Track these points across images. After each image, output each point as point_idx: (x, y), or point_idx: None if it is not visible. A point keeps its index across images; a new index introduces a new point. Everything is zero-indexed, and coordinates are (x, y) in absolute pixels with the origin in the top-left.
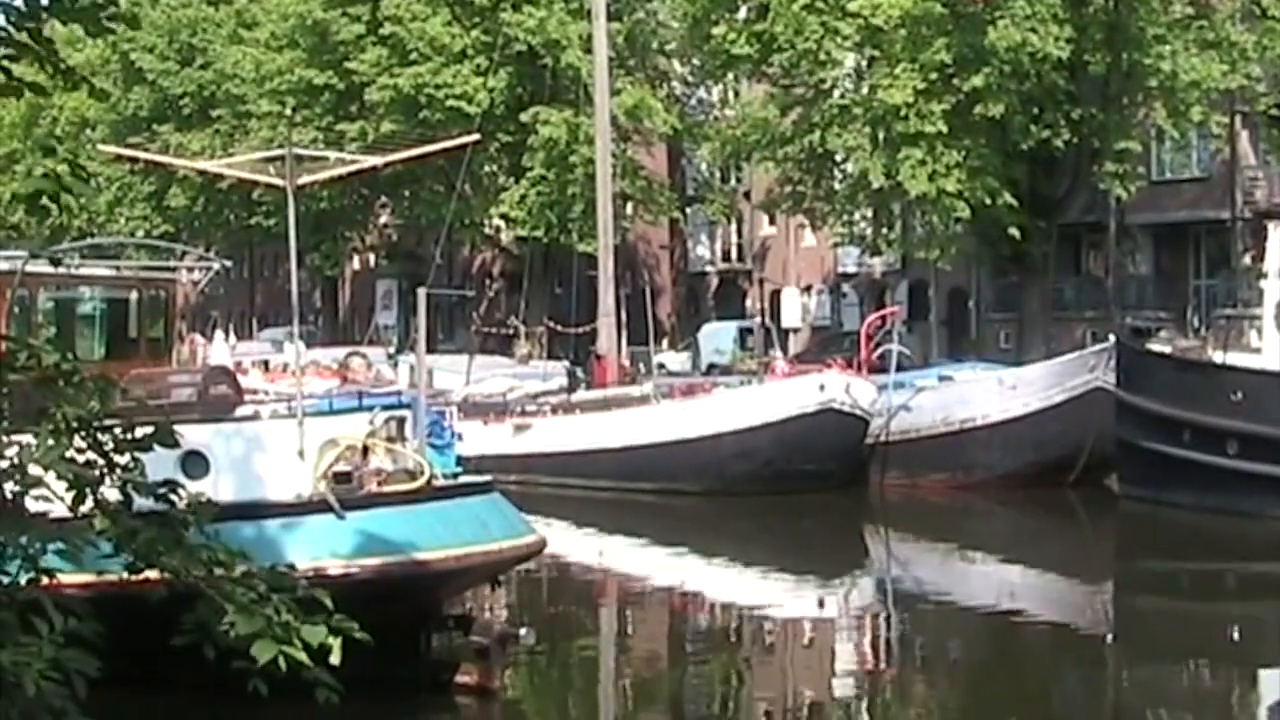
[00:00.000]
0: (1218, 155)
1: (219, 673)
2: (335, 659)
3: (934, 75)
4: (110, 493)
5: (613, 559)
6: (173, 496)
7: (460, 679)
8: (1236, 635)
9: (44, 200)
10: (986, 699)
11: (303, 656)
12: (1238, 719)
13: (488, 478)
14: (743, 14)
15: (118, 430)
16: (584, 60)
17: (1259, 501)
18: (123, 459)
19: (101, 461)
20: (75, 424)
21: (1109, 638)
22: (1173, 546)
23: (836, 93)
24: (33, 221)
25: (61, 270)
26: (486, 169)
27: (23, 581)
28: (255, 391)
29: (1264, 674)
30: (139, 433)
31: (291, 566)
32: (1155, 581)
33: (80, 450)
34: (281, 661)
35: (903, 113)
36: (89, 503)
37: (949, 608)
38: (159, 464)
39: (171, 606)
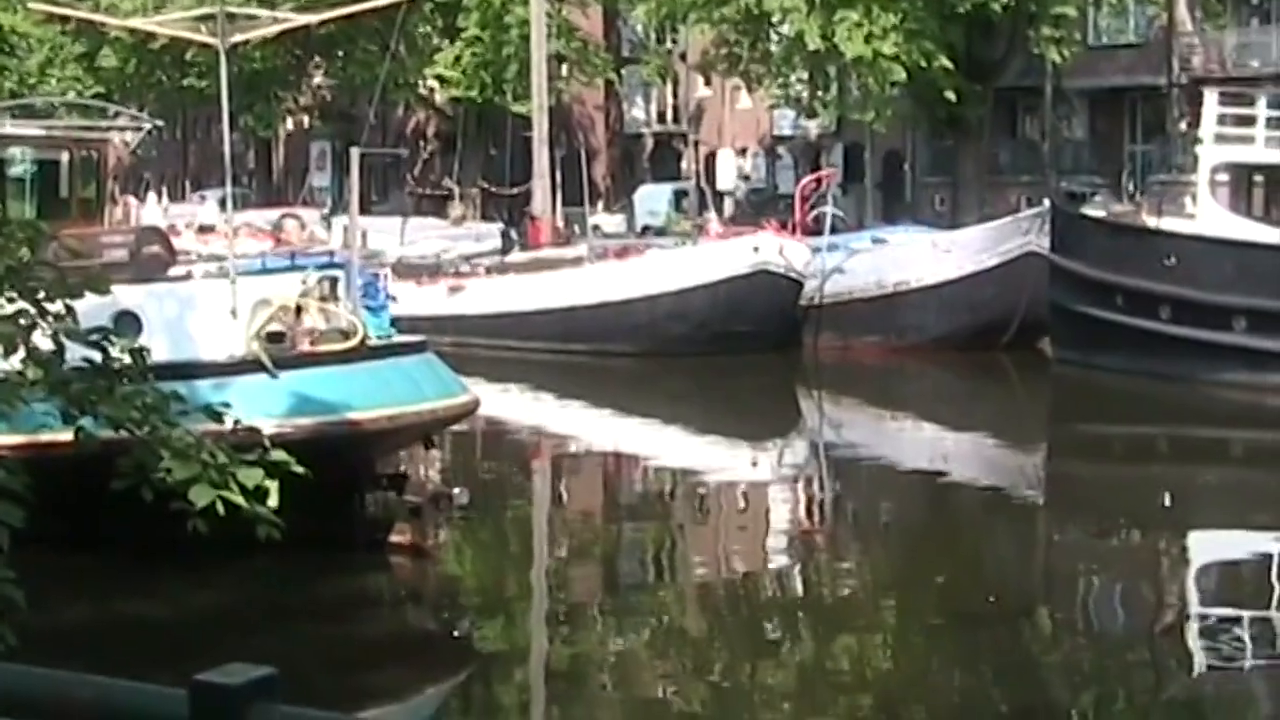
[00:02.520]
0: (1155, 21)
1: (157, 532)
2: (273, 501)
3: None
4: (43, 343)
5: (547, 420)
6: (105, 344)
7: (394, 538)
8: (1168, 500)
9: None
10: (918, 562)
11: (240, 500)
12: (1167, 582)
13: (421, 338)
14: None
15: (49, 277)
16: None
17: (1190, 366)
18: (54, 307)
19: (33, 311)
20: (5, 272)
21: (1040, 501)
22: (1104, 410)
23: None
24: None
25: None
26: (421, 29)
27: None
28: (188, 253)
29: (1194, 537)
30: (70, 282)
31: (221, 420)
32: (1087, 445)
33: (11, 299)
34: (220, 506)
35: None
36: (20, 353)
37: (882, 470)
38: (90, 324)
39: (106, 463)
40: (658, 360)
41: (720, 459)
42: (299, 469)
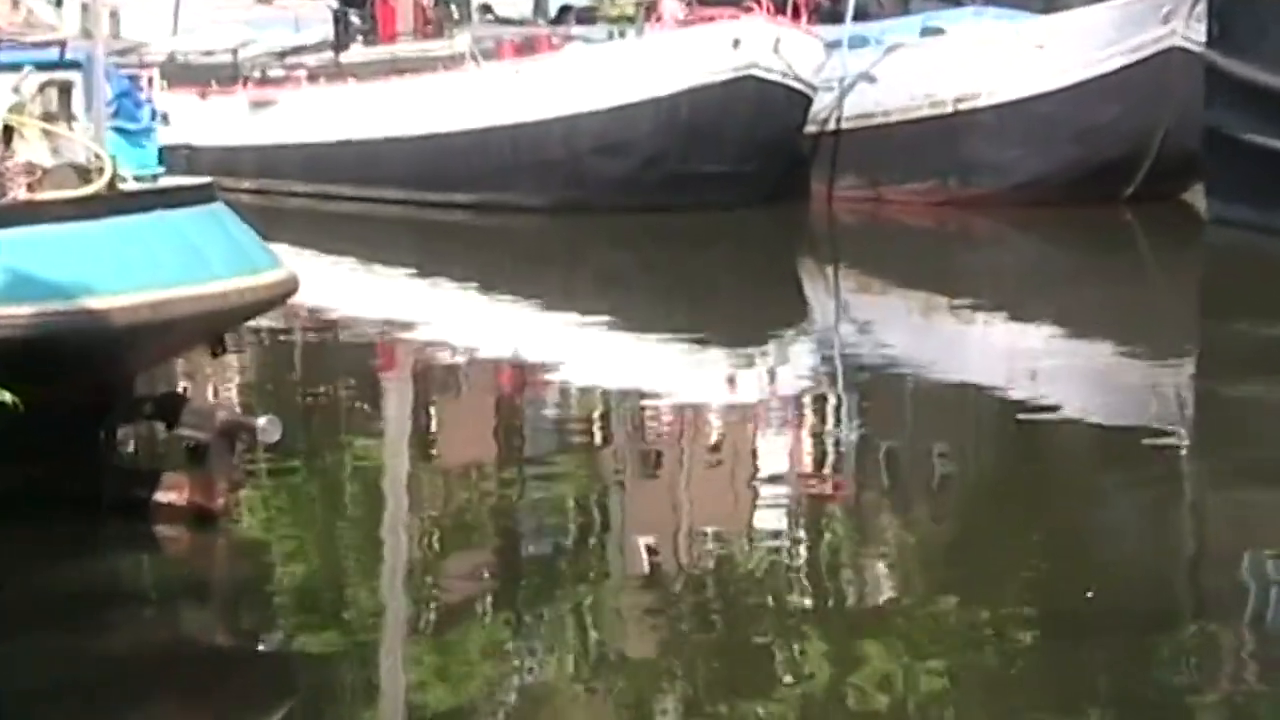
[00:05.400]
0: None
1: None
2: None
3: None
4: None
5: (406, 311)
6: None
7: (162, 496)
8: None
9: None
10: (985, 539)
11: None
12: None
13: (207, 180)
14: None
15: None
16: None
17: None
18: None
19: None
20: None
21: (1181, 445)
22: None
23: None
24: None
25: None
26: None
27: None
28: None
29: None
30: None
31: None
32: (1258, 355)
33: None
34: None
35: None
36: None
37: (932, 395)
38: None
39: None
40: (581, 219)
41: (678, 376)
42: (3, 394)
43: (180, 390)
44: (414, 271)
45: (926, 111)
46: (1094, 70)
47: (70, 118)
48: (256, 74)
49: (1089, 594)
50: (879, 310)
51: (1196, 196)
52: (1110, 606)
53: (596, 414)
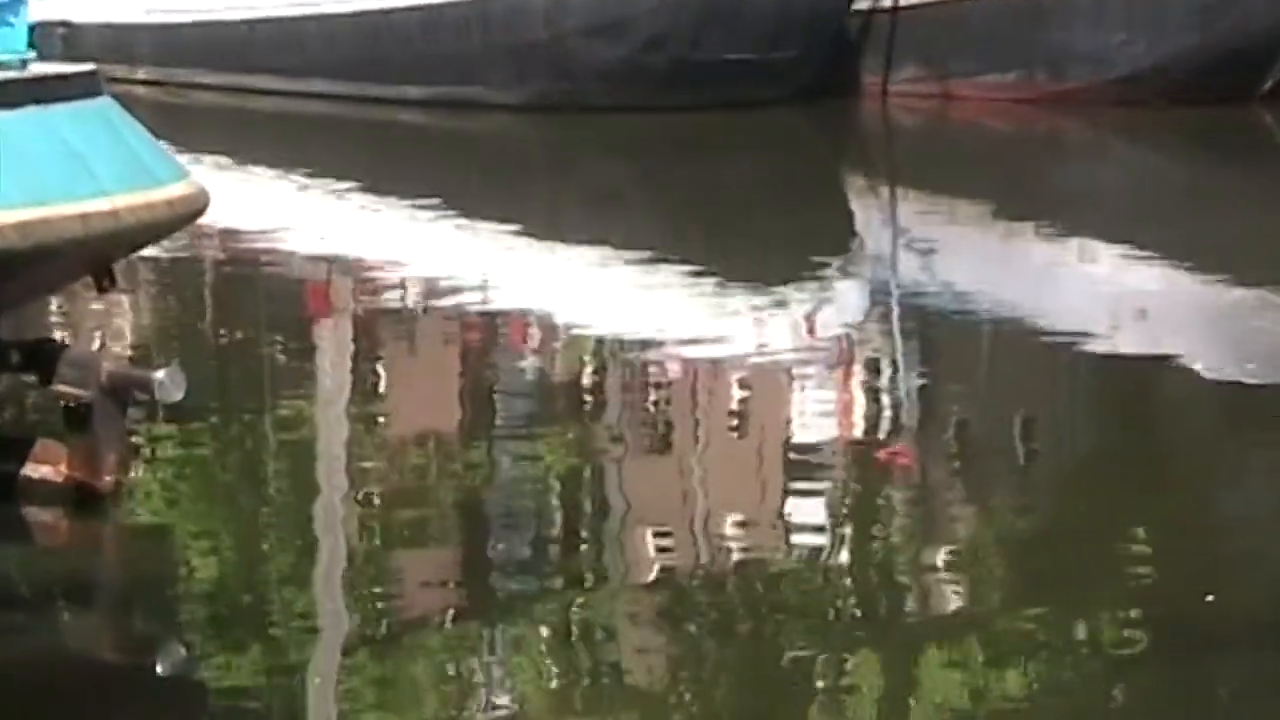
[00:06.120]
0: None
1: None
2: None
3: None
4: None
5: (346, 240)
6: None
7: (33, 471)
8: None
9: None
10: (1080, 529)
11: None
12: None
13: (90, 68)
14: None
15: None
16: None
17: None
18: None
19: None
20: None
21: None
22: None
23: None
24: None
25: None
26: None
27: None
28: None
29: None
30: None
31: None
32: None
33: None
34: None
35: None
36: None
37: (1013, 343)
38: None
39: None
40: (567, 120)
41: (692, 322)
42: None
43: (55, 337)
44: (354, 187)
45: None
46: None
47: None
48: None
49: (1209, 597)
50: (946, 237)
51: None
52: (1235, 612)
53: (588, 371)
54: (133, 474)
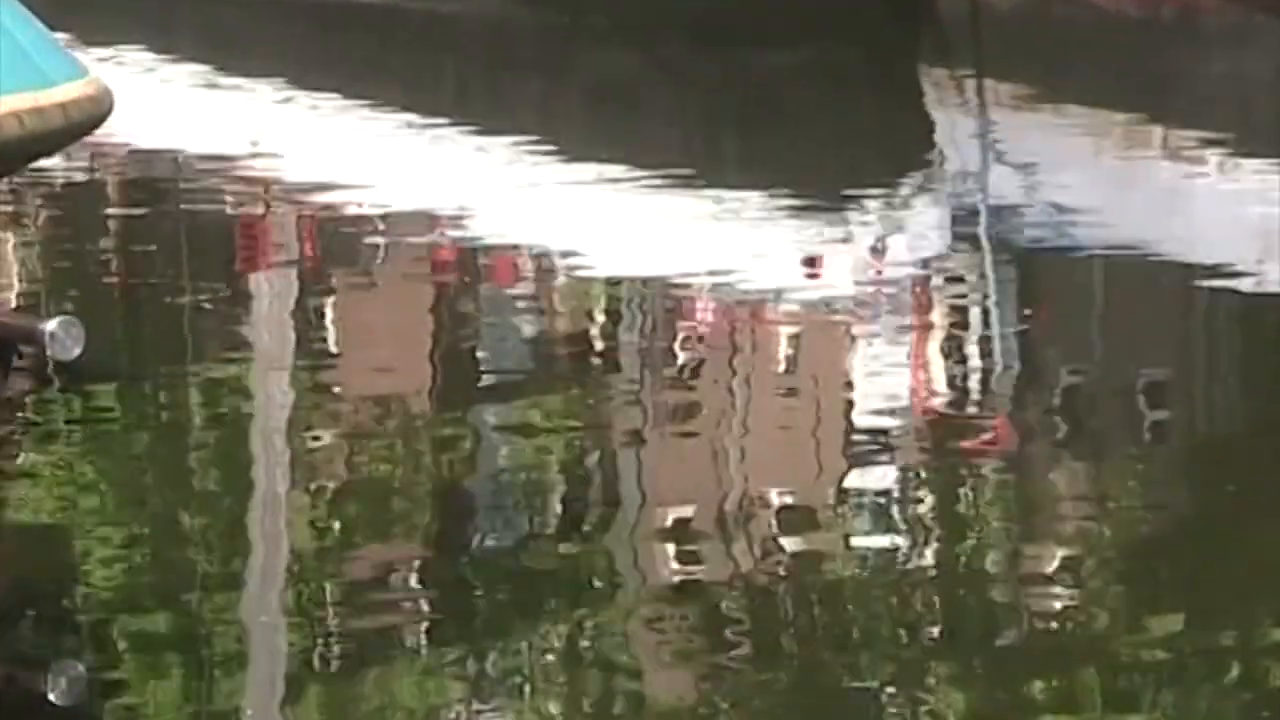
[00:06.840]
0: None
1: None
2: None
3: None
4: None
5: (288, 156)
6: None
7: None
8: None
9: None
10: (1221, 524)
11: None
12: None
13: None
14: None
15: None
16: None
17: None
18: None
19: None
20: None
21: None
22: None
23: None
24: None
25: None
26: None
27: None
28: None
29: None
30: None
31: None
32: None
33: None
34: None
35: None
36: None
37: (1136, 283)
38: None
39: None
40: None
41: (726, 256)
42: None
43: None
44: (303, 89)
45: None
46: None
47: None
48: None
49: None
50: (1050, 147)
51: None
52: None
53: (595, 320)
54: (14, 450)
